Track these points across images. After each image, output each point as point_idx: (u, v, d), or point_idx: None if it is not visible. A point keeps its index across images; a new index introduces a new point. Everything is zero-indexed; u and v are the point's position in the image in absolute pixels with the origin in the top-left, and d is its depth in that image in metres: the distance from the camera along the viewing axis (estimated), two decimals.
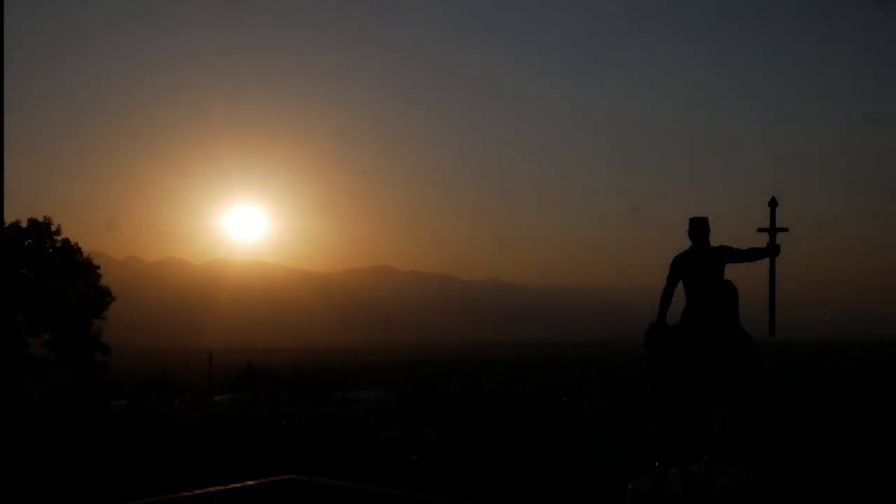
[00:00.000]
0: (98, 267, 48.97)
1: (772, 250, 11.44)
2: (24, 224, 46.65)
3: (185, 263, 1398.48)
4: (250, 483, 15.76)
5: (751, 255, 11.37)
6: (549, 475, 62.17)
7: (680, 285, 11.22)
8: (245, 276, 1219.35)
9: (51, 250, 47.22)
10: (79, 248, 47.89)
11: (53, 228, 47.21)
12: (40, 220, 47.06)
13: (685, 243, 11.29)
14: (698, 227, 11.25)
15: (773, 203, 11.52)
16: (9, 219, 46.90)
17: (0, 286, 19.69)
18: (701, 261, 11.13)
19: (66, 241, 47.39)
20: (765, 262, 11.52)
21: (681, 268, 11.15)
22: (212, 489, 15.57)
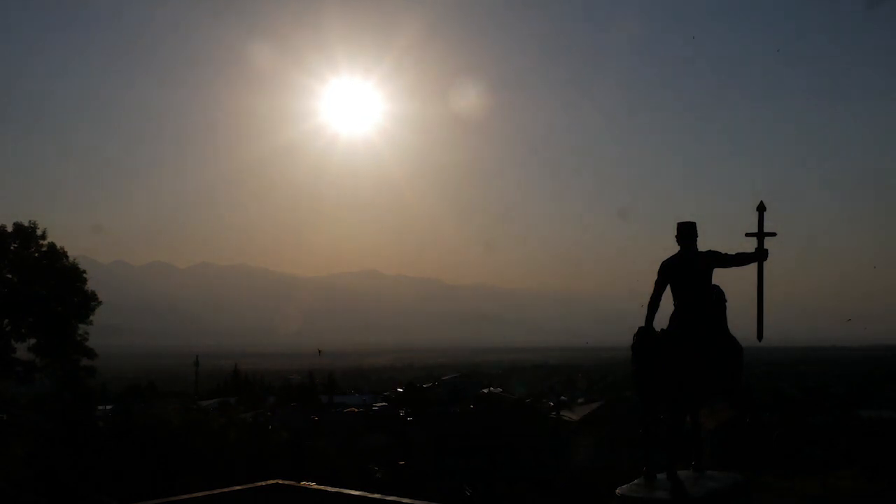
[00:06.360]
0: (84, 271, 48.62)
1: (760, 255, 11.44)
2: (9, 228, 46.33)
3: (171, 267, 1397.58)
4: (237, 488, 15.69)
5: (739, 259, 11.36)
6: (536, 479, 62.07)
7: (668, 290, 11.19)
8: (231, 281, 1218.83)
9: (36, 255, 46.87)
10: (65, 253, 47.53)
11: (39, 232, 46.87)
12: (25, 224, 46.73)
13: (673, 248, 11.27)
14: (686, 232, 11.23)
15: (761, 208, 11.52)
16: None
17: None
18: (689, 266, 11.11)
19: (52, 246, 47.04)
20: (753, 267, 11.51)
21: (669, 273, 11.13)
22: (198, 494, 15.49)
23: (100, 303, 48.35)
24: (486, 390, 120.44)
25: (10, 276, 46.59)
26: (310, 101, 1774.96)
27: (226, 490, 15.59)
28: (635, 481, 10.65)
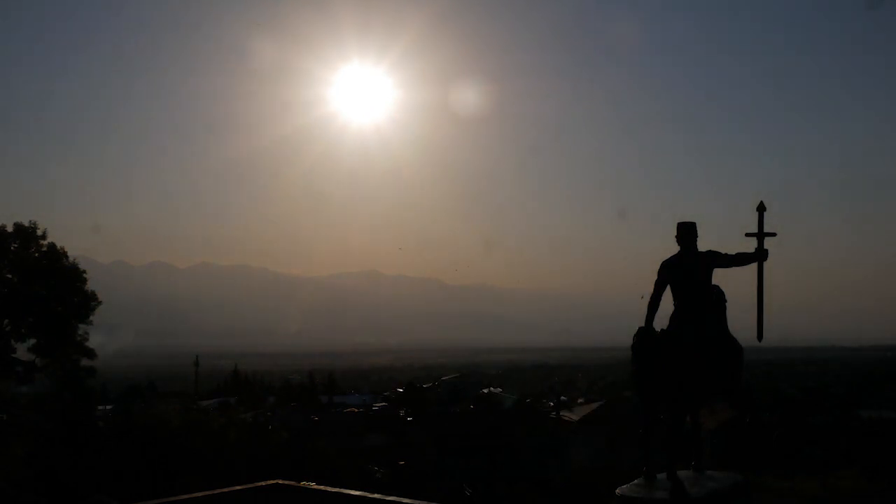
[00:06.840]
0: (84, 271, 48.55)
1: (760, 255, 11.43)
2: (9, 228, 46.28)
3: (171, 267, 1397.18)
4: (237, 488, 15.68)
5: (739, 260, 11.34)
6: (536, 479, 62.01)
7: (668, 290, 11.18)
8: (231, 281, 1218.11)
9: (36, 255, 46.81)
10: (65, 253, 47.46)
11: (39, 232, 46.81)
12: (26, 224, 46.69)
13: (673, 248, 11.26)
14: (686, 232, 11.23)
15: (761, 208, 11.50)
16: None
17: None
18: (689, 266, 11.11)
19: (52, 246, 46.97)
20: (753, 267, 11.50)
21: (669, 273, 11.12)
22: (198, 494, 15.48)
23: (100, 303, 48.29)
24: (486, 390, 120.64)
25: (10, 276, 46.52)
26: (319, 88, 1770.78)
27: (226, 490, 15.59)
28: (635, 481, 10.64)
